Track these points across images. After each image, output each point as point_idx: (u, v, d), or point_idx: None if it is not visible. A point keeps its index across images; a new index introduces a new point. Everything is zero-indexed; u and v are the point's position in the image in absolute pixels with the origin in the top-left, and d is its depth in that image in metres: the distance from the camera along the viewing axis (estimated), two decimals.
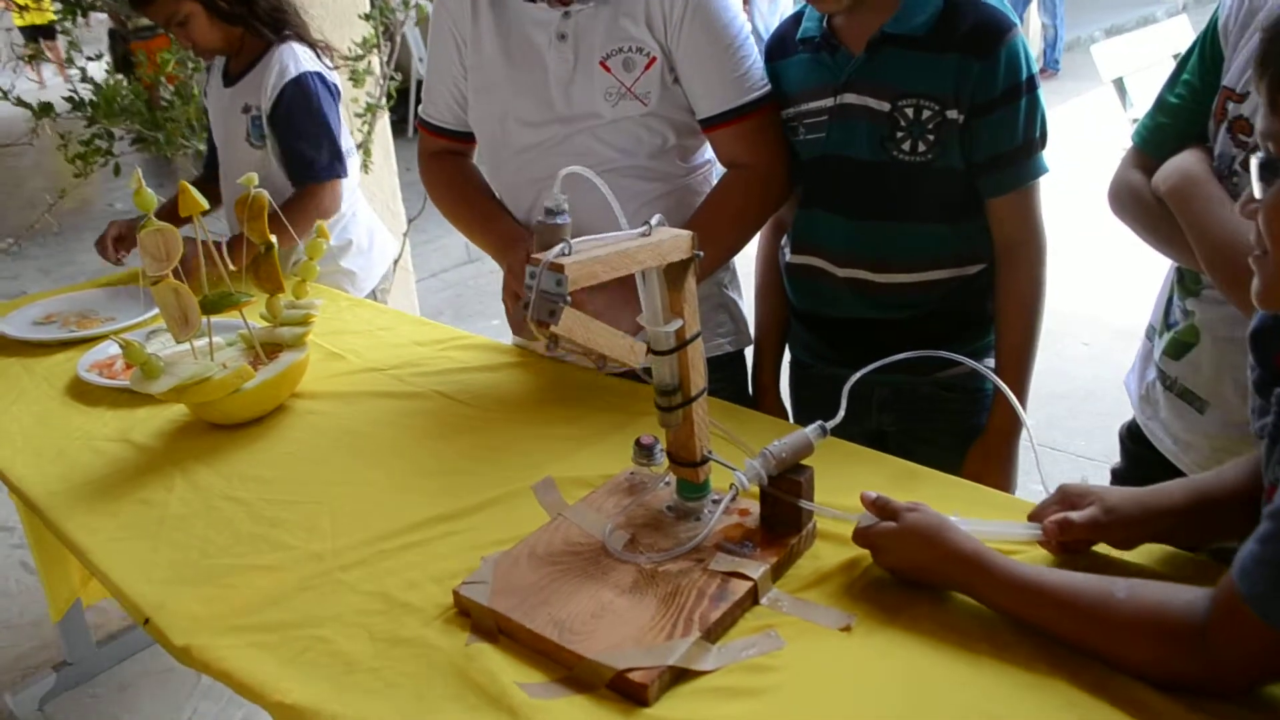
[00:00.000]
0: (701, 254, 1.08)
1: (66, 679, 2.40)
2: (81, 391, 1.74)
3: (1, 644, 2.60)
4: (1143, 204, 1.31)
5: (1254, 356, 0.98)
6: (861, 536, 1.10)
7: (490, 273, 5.41)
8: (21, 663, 2.51)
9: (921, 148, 1.44)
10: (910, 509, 1.07)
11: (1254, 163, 0.83)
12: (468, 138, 1.74)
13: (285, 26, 2.29)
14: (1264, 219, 0.83)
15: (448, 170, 1.77)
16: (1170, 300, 1.37)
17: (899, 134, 1.44)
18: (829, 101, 1.48)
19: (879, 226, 1.50)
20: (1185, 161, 1.26)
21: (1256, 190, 0.85)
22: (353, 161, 2.49)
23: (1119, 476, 1.50)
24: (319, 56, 2.33)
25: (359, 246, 2.52)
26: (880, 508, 1.09)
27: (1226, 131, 1.22)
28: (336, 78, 2.39)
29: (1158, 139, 1.32)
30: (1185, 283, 1.33)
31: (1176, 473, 1.30)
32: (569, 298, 0.93)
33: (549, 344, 0.97)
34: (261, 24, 2.25)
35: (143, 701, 2.37)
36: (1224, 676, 0.87)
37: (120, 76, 3.12)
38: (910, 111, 1.42)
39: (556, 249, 0.93)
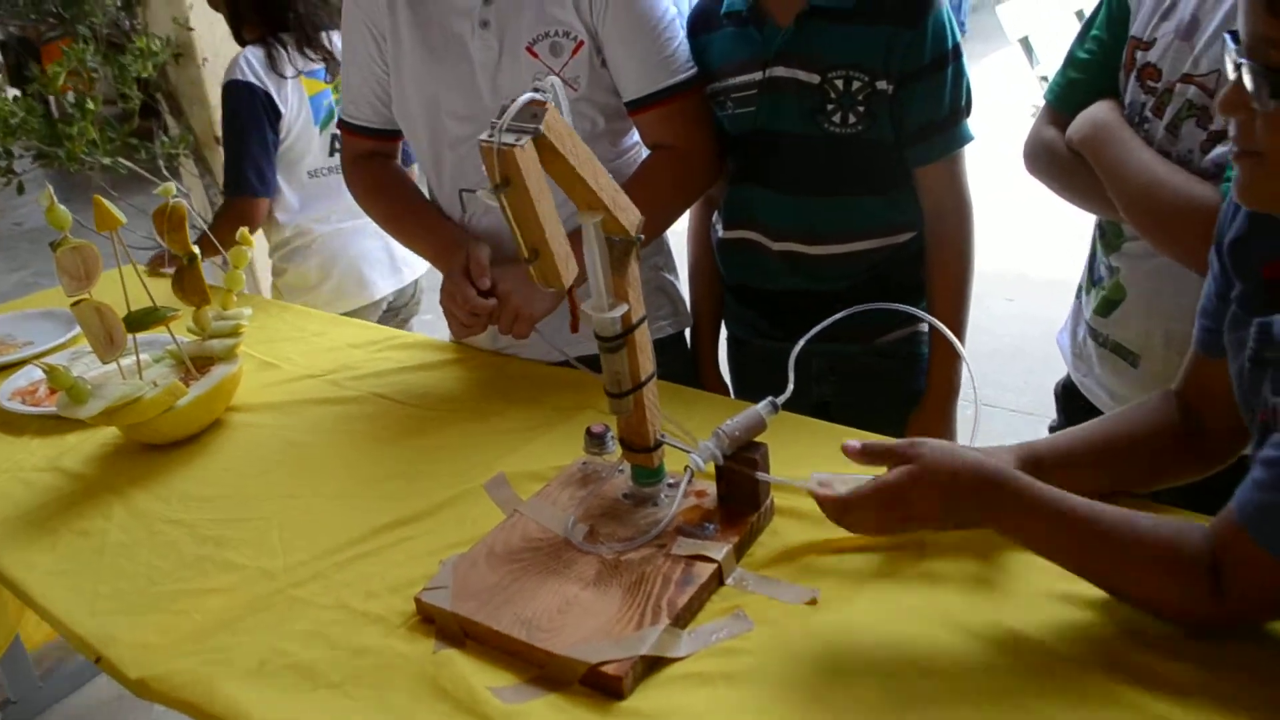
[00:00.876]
0: (643, 238, 1.06)
1: (12, 717, 2.32)
2: (4, 421, 1.67)
3: None
4: (1058, 160, 1.32)
5: (1234, 270, 0.95)
6: (879, 493, 0.98)
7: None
8: None
9: (852, 119, 1.44)
10: (917, 444, 0.99)
11: (1246, 67, 0.82)
12: (392, 135, 1.70)
13: (277, 21, 2.29)
14: (1266, 125, 0.82)
15: (376, 175, 1.73)
16: (1094, 257, 1.39)
17: (829, 106, 1.44)
18: (757, 75, 1.47)
19: (811, 200, 1.50)
20: (1096, 112, 1.27)
21: (1254, 93, 0.81)
22: (316, 183, 2.43)
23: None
24: (273, 65, 2.28)
25: (304, 281, 2.47)
26: (884, 453, 1.01)
27: (1136, 80, 1.24)
28: (295, 88, 2.33)
29: (1070, 95, 1.33)
30: (1107, 238, 1.35)
31: None
32: (542, 129, 0.91)
33: (499, 186, 0.92)
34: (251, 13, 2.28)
35: None
36: (1237, 613, 0.89)
37: (14, 92, 3.01)
38: (840, 83, 1.42)
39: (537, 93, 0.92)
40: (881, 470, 1.01)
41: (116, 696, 2.39)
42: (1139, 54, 1.24)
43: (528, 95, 0.94)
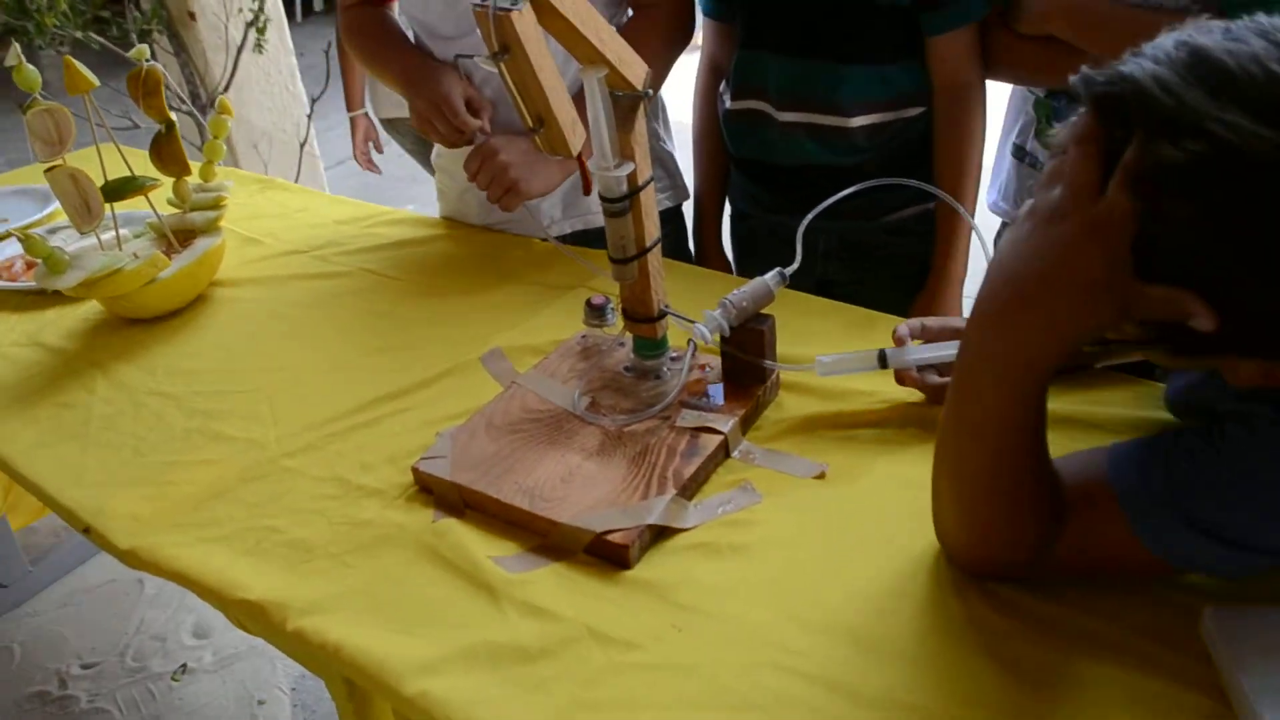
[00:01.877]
0: (651, 92, 1.01)
1: (3, 601, 2.31)
2: None
3: None
4: (1023, 49, 1.36)
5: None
6: None
7: (399, 156, 5.22)
8: None
9: None
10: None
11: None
12: None
13: None
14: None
15: (363, 18, 1.65)
16: (1046, 120, 1.44)
17: None
18: None
19: (824, 66, 1.43)
20: None
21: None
22: None
23: None
24: None
25: None
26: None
27: None
28: None
29: None
30: (1076, 100, 1.36)
31: None
32: None
33: (499, 54, 0.87)
34: None
35: (87, 616, 2.30)
36: (1062, 561, 0.81)
37: None
38: None
39: None
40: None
41: (108, 580, 2.39)
42: None
43: None
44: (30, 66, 1.25)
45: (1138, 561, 0.78)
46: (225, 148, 1.57)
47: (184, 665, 2.13)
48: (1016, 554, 0.82)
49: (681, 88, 1.69)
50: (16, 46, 1.25)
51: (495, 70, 0.90)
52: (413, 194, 4.93)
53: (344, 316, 1.43)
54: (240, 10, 3.11)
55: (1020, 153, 1.51)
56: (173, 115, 1.44)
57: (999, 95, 1.55)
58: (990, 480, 0.80)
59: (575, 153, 0.98)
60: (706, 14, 1.59)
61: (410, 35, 1.61)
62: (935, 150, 1.48)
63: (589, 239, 1.61)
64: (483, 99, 1.45)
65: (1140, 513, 0.77)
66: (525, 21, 0.86)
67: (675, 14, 1.51)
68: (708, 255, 1.69)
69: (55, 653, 2.21)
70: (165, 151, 1.43)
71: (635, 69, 0.99)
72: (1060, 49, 1.30)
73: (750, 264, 1.67)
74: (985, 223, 1.30)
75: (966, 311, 1.50)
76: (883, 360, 1.04)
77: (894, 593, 0.86)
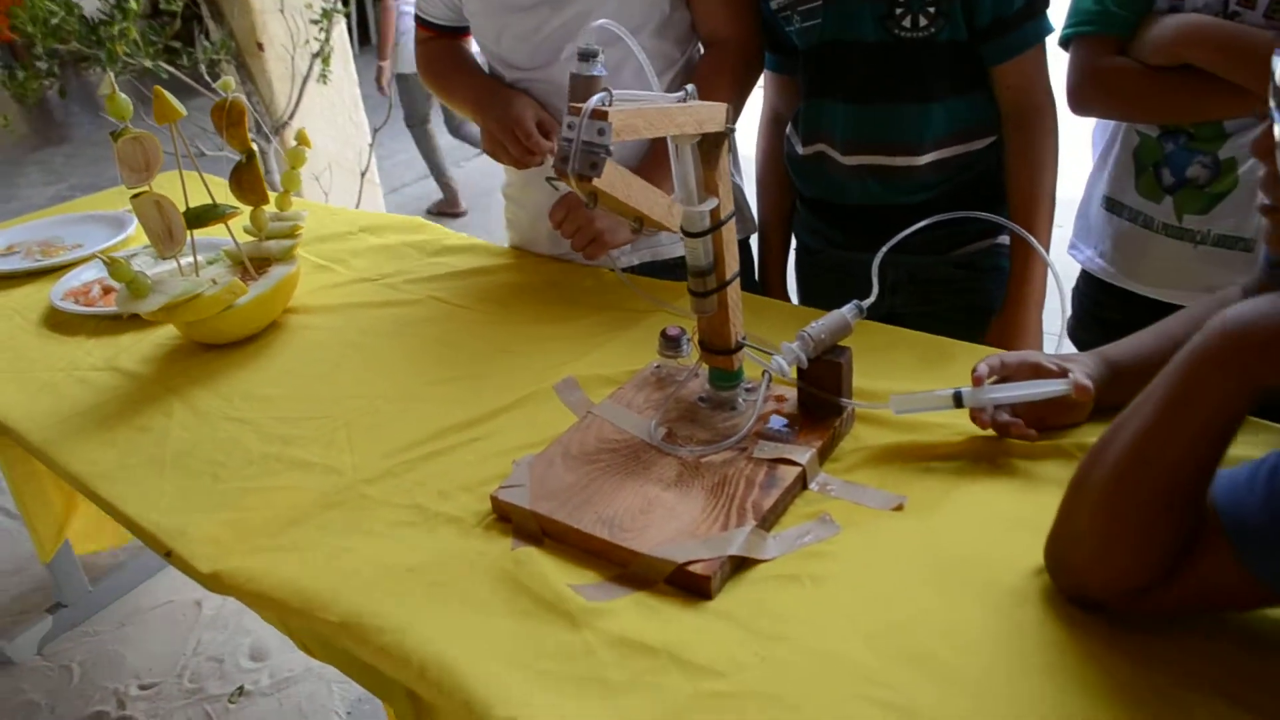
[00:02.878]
0: (735, 128, 1.02)
1: (63, 621, 2.35)
2: (58, 322, 1.66)
3: None
4: (1141, 81, 1.30)
5: None
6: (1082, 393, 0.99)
7: (454, 183, 5.29)
8: (14, 608, 2.45)
9: (923, 22, 1.37)
10: (1071, 359, 1.03)
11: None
12: (460, 32, 1.68)
13: None
14: None
15: (438, 50, 1.70)
16: (1150, 169, 1.38)
17: (898, 10, 1.37)
18: None
19: (887, 109, 1.44)
20: (1179, 20, 1.25)
21: None
22: None
23: None
24: None
25: None
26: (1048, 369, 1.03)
27: None
28: None
29: (1116, 16, 1.31)
30: (1198, 140, 1.33)
31: None
32: (611, 148, 0.86)
33: (588, 201, 0.89)
34: None
35: (145, 636, 2.33)
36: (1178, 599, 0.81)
37: None
38: None
39: (597, 97, 0.86)
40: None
41: (166, 601, 2.42)
42: None
43: (590, 105, 0.87)
44: (123, 96, 1.29)
45: (1244, 589, 0.76)
46: (301, 178, 1.59)
47: (241, 687, 2.15)
48: (1141, 579, 0.81)
49: (747, 121, 1.71)
50: (110, 76, 1.28)
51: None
52: (463, 221, 4.99)
53: (415, 345, 1.44)
54: (307, 41, 3.17)
55: (1115, 206, 1.46)
56: (254, 145, 1.47)
57: (1083, 132, 1.54)
58: (1157, 511, 0.79)
59: (676, 228, 1.01)
60: (768, 68, 1.61)
61: (485, 66, 1.63)
62: (1007, 179, 1.48)
63: (656, 270, 1.62)
64: (554, 121, 1.47)
65: (1244, 537, 0.76)
66: (608, 175, 0.87)
67: (746, 50, 1.53)
68: (771, 289, 1.70)
69: (114, 673, 2.23)
70: (245, 180, 1.46)
71: (715, 118, 1.00)
72: (1198, 80, 1.24)
73: (815, 298, 1.67)
74: (1058, 253, 1.29)
75: (1048, 345, 1.51)
76: (958, 401, 1.04)
77: (977, 625, 0.85)
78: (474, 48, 1.70)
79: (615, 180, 0.88)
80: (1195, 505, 0.78)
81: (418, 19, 1.71)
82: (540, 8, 1.47)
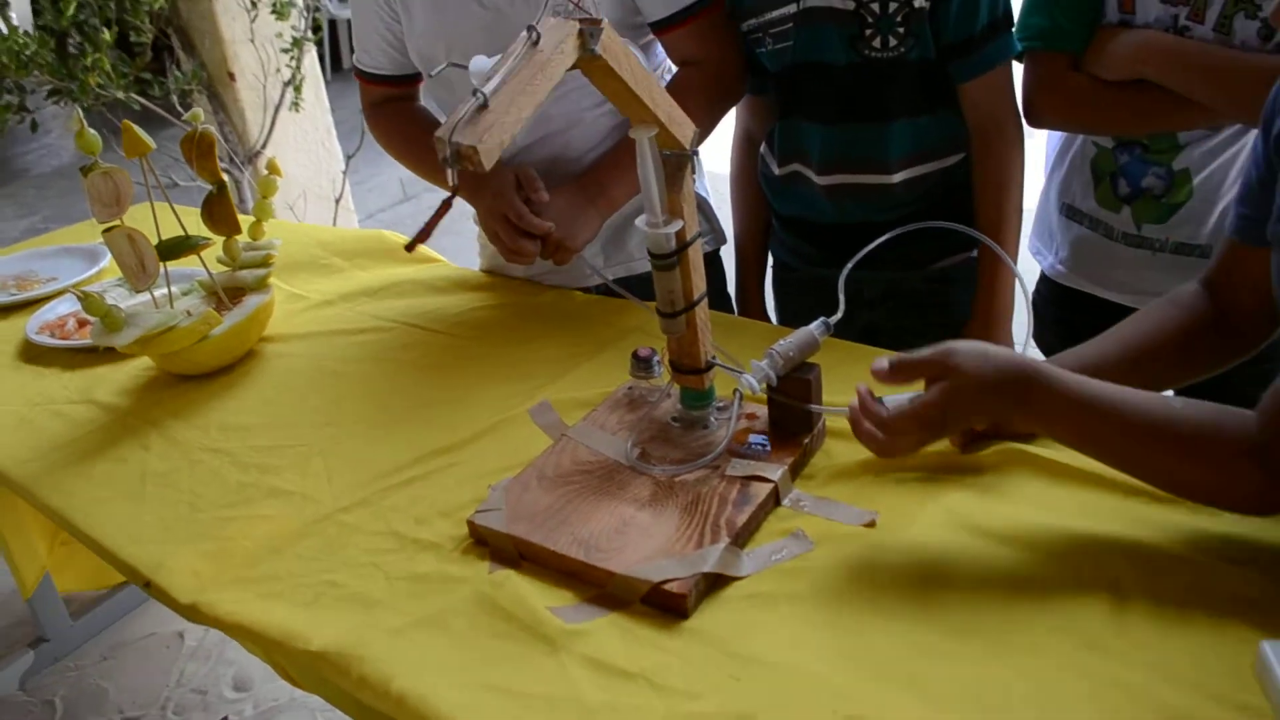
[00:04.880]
0: (698, 152, 1.03)
1: (45, 655, 2.33)
2: (33, 355, 1.66)
3: None
4: (1097, 96, 1.33)
5: None
6: (925, 410, 0.95)
7: (428, 209, 5.29)
8: None
9: (893, 42, 1.40)
10: (948, 353, 0.95)
11: None
12: (410, 79, 1.65)
13: None
14: None
15: (392, 117, 1.67)
16: (1107, 179, 1.41)
17: (868, 31, 1.39)
18: (792, 8, 1.42)
19: (858, 129, 1.46)
20: (1134, 36, 1.28)
21: None
22: None
23: None
24: None
25: None
26: (919, 364, 0.97)
27: None
28: None
29: (1069, 31, 1.34)
30: (1153, 152, 1.36)
31: None
32: (598, 49, 0.88)
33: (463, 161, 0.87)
34: None
35: (127, 669, 2.32)
36: None
37: (19, 28, 2.95)
38: (876, 6, 1.37)
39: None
40: (918, 387, 0.99)
41: (148, 634, 2.40)
42: None
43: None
44: (92, 131, 1.30)
45: None
46: (273, 207, 1.60)
47: (225, 718, 2.14)
48: (1233, 491, 0.88)
49: (718, 139, 1.72)
50: (79, 111, 1.29)
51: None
52: (438, 245, 4.99)
53: (389, 371, 1.45)
54: (278, 70, 3.19)
55: (1074, 213, 1.49)
56: (225, 176, 1.48)
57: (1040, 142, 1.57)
58: (1130, 463, 0.92)
59: (690, 147, 1.01)
60: None
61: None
62: (975, 193, 1.50)
63: (630, 285, 1.63)
64: (530, 174, 1.46)
65: None
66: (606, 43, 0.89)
67: (720, 73, 1.52)
68: (750, 307, 1.71)
69: (97, 706, 2.22)
70: (217, 211, 1.47)
71: (684, 129, 1.01)
72: (1150, 94, 1.27)
73: (793, 316, 1.69)
74: (1027, 266, 1.32)
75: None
76: None
77: (951, 638, 0.87)
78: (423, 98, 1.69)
79: (616, 49, 0.88)
80: None
81: (360, 74, 1.66)
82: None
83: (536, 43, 0.88)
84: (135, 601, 2.47)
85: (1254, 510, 0.90)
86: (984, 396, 0.94)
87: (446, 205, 0.97)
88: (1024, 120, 1.43)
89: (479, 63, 0.87)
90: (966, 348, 0.95)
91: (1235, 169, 1.32)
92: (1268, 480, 0.85)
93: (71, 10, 2.68)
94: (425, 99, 1.70)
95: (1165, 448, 0.89)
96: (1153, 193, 1.38)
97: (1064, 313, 1.56)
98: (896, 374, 0.99)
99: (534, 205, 1.44)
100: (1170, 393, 1.02)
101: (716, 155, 1.70)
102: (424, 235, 1.05)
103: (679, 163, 1.02)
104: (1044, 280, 1.60)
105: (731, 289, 1.77)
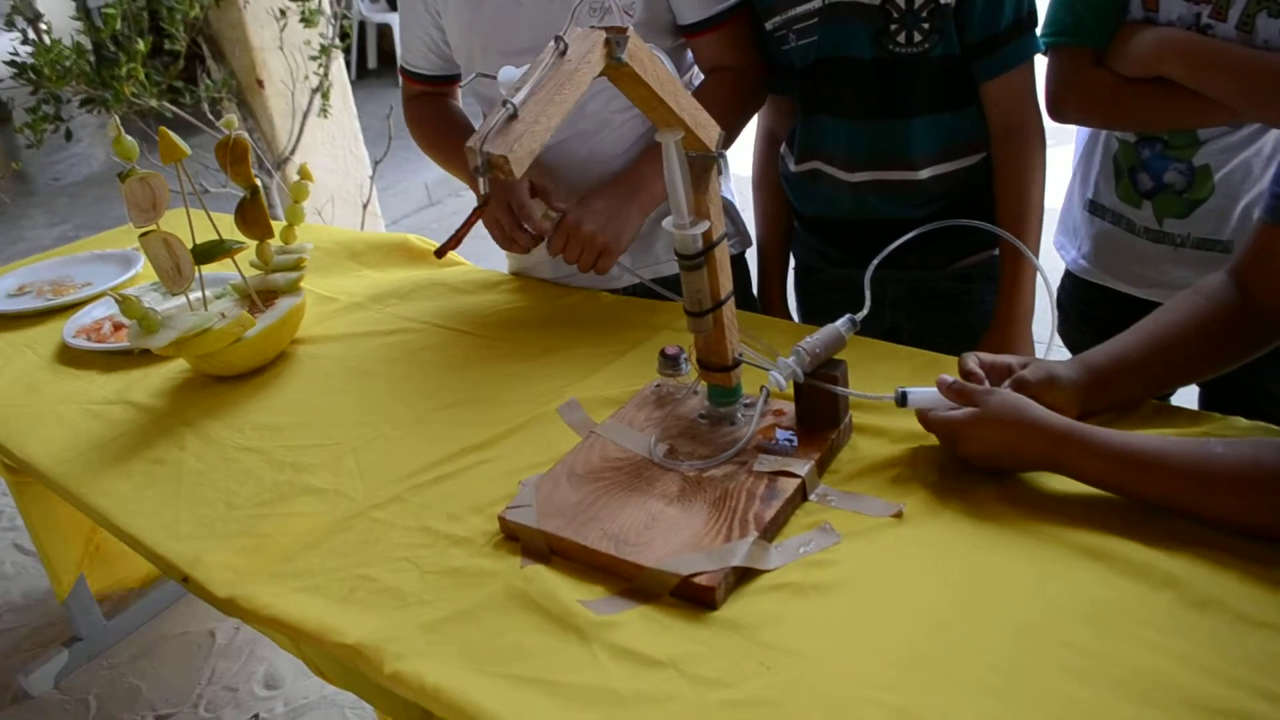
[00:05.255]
0: (724, 154, 1.05)
1: (79, 654, 2.37)
2: (70, 358, 1.69)
3: (6, 625, 2.56)
4: (1117, 91, 1.33)
5: None
6: (943, 425, 1.06)
7: (453, 214, 5.33)
8: (30, 642, 2.47)
9: (918, 38, 1.41)
10: (988, 393, 1.04)
11: None
12: (446, 80, 1.70)
13: None
14: None
15: (425, 109, 1.73)
16: (1128, 172, 1.42)
17: (893, 26, 1.40)
18: (817, 3, 1.44)
19: (884, 124, 1.47)
20: (1156, 34, 1.29)
21: None
22: None
23: None
24: None
25: None
26: (959, 393, 1.06)
27: None
28: None
29: (1093, 27, 1.35)
30: (1174, 148, 1.37)
31: None
32: (624, 57, 0.90)
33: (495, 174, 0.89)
34: None
35: (160, 668, 2.35)
36: None
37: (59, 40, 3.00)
38: (901, 1, 1.38)
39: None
40: None
41: (180, 632, 2.44)
42: None
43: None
44: (129, 139, 1.32)
45: None
46: (304, 211, 1.63)
47: (256, 715, 2.16)
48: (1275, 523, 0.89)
49: (741, 141, 1.74)
50: (116, 119, 1.32)
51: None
52: (463, 249, 5.03)
53: (420, 371, 1.47)
54: (306, 77, 3.22)
55: (1097, 208, 1.50)
56: (257, 181, 1.51)
57: (1068, 140, 1.57)
58: (1170, 505, 0.93)
59: (715, 148, 1.03)
60: None
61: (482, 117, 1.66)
62: (996, 193, 1.51)
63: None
64: (547, 187, 1.49)
65: None
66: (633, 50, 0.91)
67: (747, 78, 1.55)
68: (772, 308, 1.73)
69: (130, 704, 2.25)
70: (250, 215, 1.49)
71: (709, 131, 1.03)
72: (1171, 91, 1.28)
73: (816, 317, 1.70)
74: (1049, 264, 1.32)
75: (1040, 352, 1.55)
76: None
77: (978, 629, 0.88)
78: (462, 99, 1.73)
79: (643, 56, 0.90)
80: None
81: (403, 71, 1.73)
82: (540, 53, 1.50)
83: (564, 53, 0.89)
84: (168, 600, 2.51)
85: None
86: (1011, 446, 1.01)
87: (479, 213, 0.99)
88: (1048, 115, 1.43)
89: (507, 73, 0.89)
90: (1006, 394, 1.03)
91: (1258, 166, 1.33)
92: None
93: (117, 24, 2.72)
94: (466, 98, 1.74)
95: (1207, 492, 0.91)
96: (1174, 188, 1.39)
97: (1088, 308, 1.57)
98: (951, 393, 1.07)
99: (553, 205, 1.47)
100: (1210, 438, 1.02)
101: (741, 159, 1.71)
102: (455, 242, 1.07)
103: (705, 165, 1.04)
104: (1067, 275, 1.61)
105: (756, 291, 1.78)
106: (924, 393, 1.09)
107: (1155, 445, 0.95)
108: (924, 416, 1.09)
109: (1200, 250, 1.39)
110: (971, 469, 1.06)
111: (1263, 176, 1.32)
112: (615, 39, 0.91)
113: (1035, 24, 1.43)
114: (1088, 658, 0.83)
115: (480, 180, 0.88)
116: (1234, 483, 0.90)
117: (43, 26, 2.82)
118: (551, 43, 0.91)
